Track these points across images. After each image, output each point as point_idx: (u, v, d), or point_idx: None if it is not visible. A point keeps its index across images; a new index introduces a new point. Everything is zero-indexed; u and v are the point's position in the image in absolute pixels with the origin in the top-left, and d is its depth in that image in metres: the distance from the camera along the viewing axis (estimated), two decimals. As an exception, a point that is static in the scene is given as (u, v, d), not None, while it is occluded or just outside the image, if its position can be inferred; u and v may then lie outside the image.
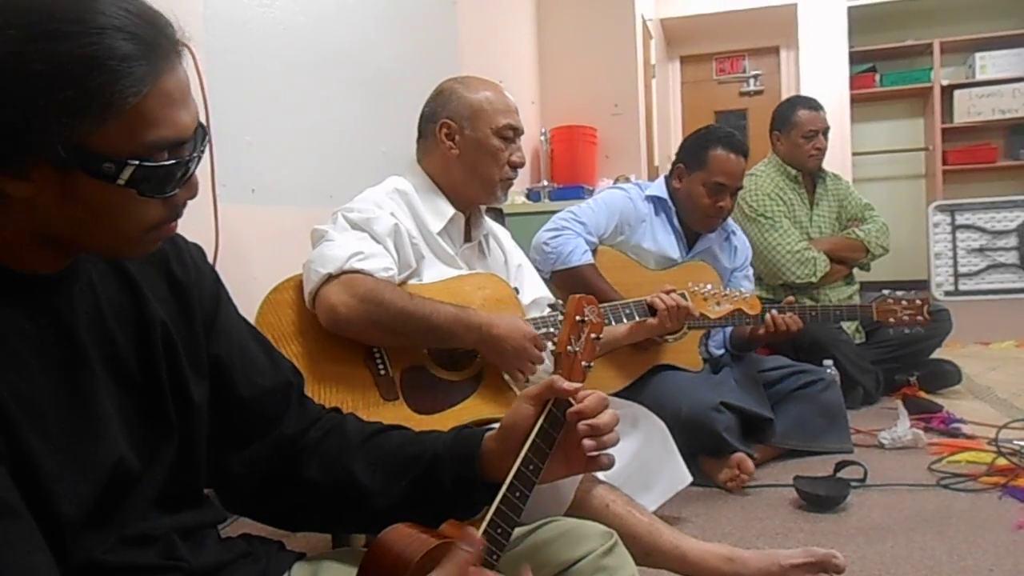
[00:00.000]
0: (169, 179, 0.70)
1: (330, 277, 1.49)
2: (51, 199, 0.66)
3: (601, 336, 1.00)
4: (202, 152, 0.73)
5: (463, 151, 1.73)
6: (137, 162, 0.66)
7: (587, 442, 0.88)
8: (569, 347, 0.96)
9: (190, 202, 0.76)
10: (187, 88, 0.71)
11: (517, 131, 1.75)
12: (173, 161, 0.69)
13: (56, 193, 0.66)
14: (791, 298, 2.39)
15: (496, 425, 0.94)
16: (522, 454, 0.86)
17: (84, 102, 0.63)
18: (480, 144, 1.72)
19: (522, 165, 1.76)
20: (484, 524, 0.82)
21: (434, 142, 1.76)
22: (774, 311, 2.28)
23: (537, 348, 1.59)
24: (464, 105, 1.74)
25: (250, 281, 1.78)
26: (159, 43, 0.67)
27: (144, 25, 0.66)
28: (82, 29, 0.63)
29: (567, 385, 0.89)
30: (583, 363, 0.97)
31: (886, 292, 2.38)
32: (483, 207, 1.85)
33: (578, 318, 0.98)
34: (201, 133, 0.73)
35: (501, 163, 1.72)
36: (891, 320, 2.36)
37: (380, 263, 1.53)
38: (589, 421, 0.88)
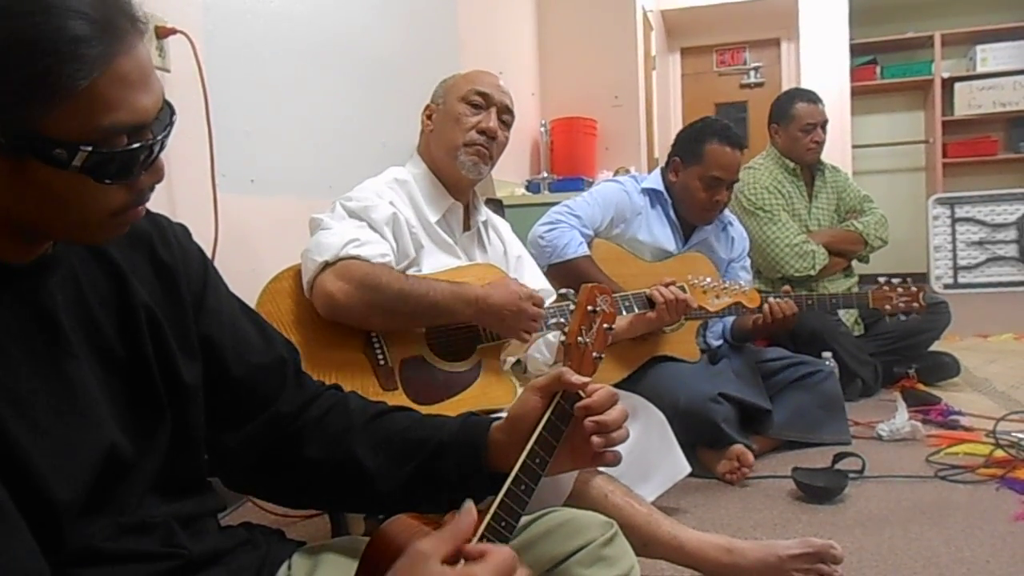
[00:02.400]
0: (129, 165, 0.67)
1: (326, 265, 1.49)
2: (5, 185, 0.64)
3: (613, 327, 0.98)
4: (168, 134, 0.70)
5: (436, 125, 1.76)
6: (91, 148, 0.63)
7: (595, 439, 0.87)
8: (580, 338, 0.94)
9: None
10: (148, 69, 0.67)
11: (488, 98, 1.73)
12: (134, 146, 0.66)
13: (9, 179, 0.64)
14: (787, 287, 2.38)
15: (502, 414, 0.93)
16: (528, 447, 0.85)
17: (28, 86, 0.60)
18: (447, 113, 1.74)
19: (493, 133, 1.72)
20: (488, 517, 0.81)
21: (422, 129, 1.80)
22: (770, 299, 2.28)
23: (535, 304, 1.59)
24: (443, 87, 1.79)
25: (249, 271, 1.77)
26: (115, 23, 0.64)
27: (99, 4, 0.63)
28: (28, 8, 0.59)
29: (576, 379, 0.87)
30: (594, 354, 0.94)
31: (882, 279, 2.38)
32: (479, 194, 1.84)
33: (590, 308, 0.95)
34: (167, 114, 0.70)
35: (465, 127, 1.70)
36: (887, 307, 2.36)
37: (376, 249, 1.53)
38: (597, 417, 0.87)
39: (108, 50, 0.63)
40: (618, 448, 0.90)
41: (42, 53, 0.60)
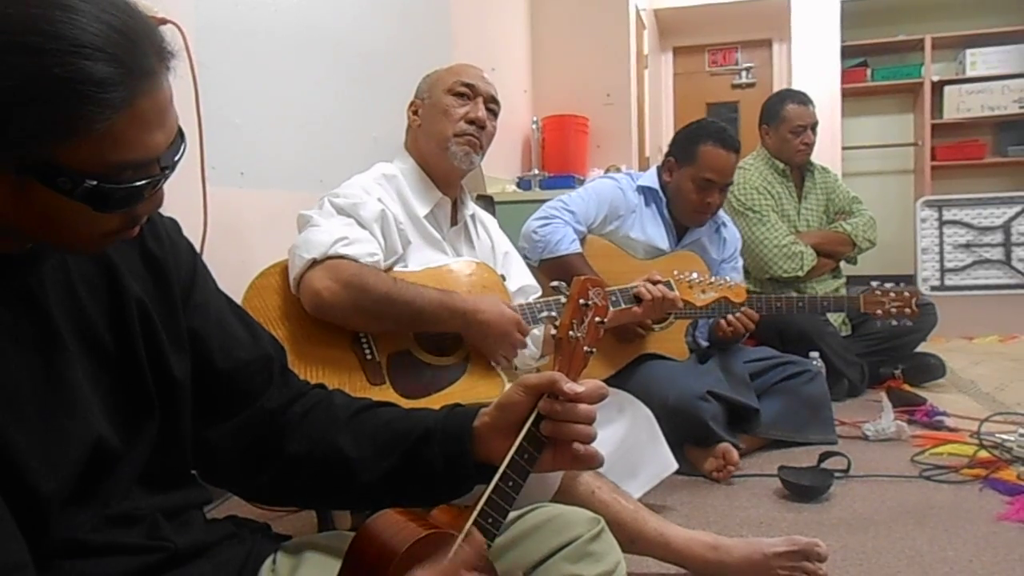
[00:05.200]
0: (131, 198, 0.67)
1: (314, 262, 1.49)
2: (4, 199, 0.64)
3: (606, 320, 0.94)
4: (175, 165, 0.70)
5: (423, 120, 1.76)
6: (96, 182, 0.63)
7: (576, 445, 0.86)
8: (571, 332, 0.91)
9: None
10: (166, 105, 0.67)
11: (474, 88, 1.73)
12: (139, 183, 0.66)
13: (9, 194, 0.63)
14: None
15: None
16: (516, 443, 0.84)
17: (46, 122, 0.60)
18: (434, 106, 1.74)
19: (482, 123, 1.72)
20: (475, 513, 0.80)
21: (408, 124, 1.80)
22: (731, 316, 2.29)
23: (520, 332, 1.59)
24: (427, 81, 1.80)
25: (239, 264, 1.77)
26: (140, 64, 0.63)
27: (126, 43, 0.62)
28: (57, 47, 0.58)
29: (569, 387, 0.84)
30: (585, 348, 0.92)
31: (874, 284, 2.39)
32: (469, 190, 1.85)
33: (582, 301, 0.93)
34: (178, 144, 0.70)
35: (453, 119, 1.71)
36: (878, 312, 2.37)
37: (365, 248, 1.53)
38: (569, 406, 0.85)
39: (130, 93, 0.62)
40: (604, 442, 0.90)
41: (66, 94, 0.59)
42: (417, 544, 0.76)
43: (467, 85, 1.73)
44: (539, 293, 1.87)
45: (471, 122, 1.71)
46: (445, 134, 1.71)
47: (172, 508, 0.83)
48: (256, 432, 0.92)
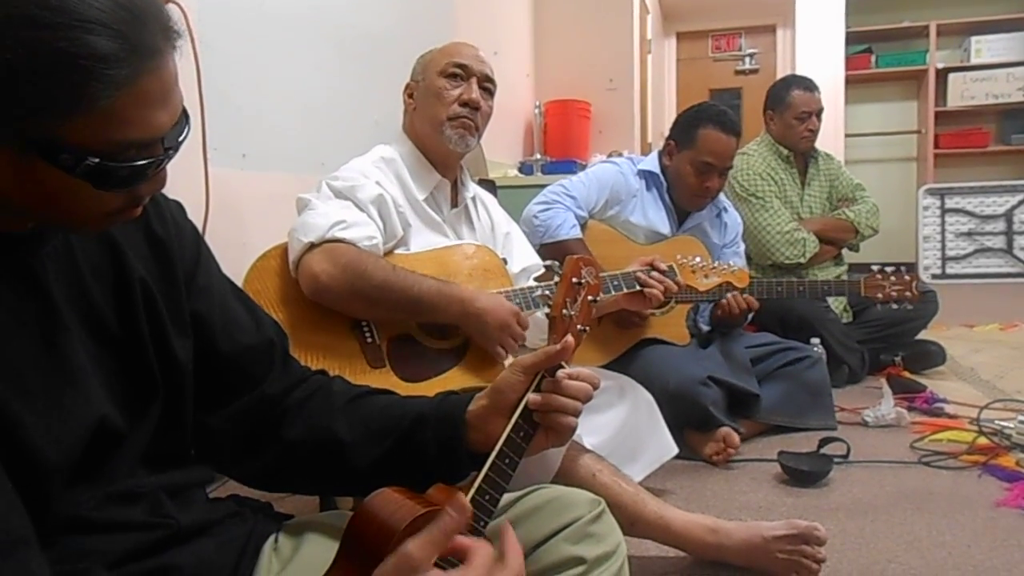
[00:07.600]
0: (133, 178, 0.67)
1: (312, 246, 1.48)
2: (6, 175, 0.64)
3: (598, 299, 0.97)
4: (179, 146, 0.70)
5: (418, 103, 1.75)
6: (98, 160, 0.63)
7: (559, 416, 0.88)
8: (564, 311, 0.93)
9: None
10: (171, 85, 0.66)
11: (467, 68, 1.71)
12: (141, 162, 0.66)
13: (11, 171, 0.63)
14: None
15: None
16: (513, 420, 0.85)
17: (49, 97, 0.59)
18: (428, 89, 1.73)
19: (476, 104, 1.70)
20: (472, 491, 0.81)
21: (405, 107, 1.79)
22: (730, 295, 2.29)
23: (520, 324, 1.58)
24: (421, 63, 1.78)
25: (240, 246, 1.77)
26: (145, 41, 0.62)
27: (132, 20, 0.61)
28: (62, 20, 0.58)
29: (560, 345, 0.88)
30: (578, 327, 0.94)
31: (875, 267, 2.39)
32: (472, 174, 1.84)
33: (574, 280, 0.94)
34: (182, 124, 0.70)
35: (447, 101, 1.69)
36: (879, 296, 2.37)
37: (363, 232, 1.52)
38: (565, 380, 0.88)
39: (134, 70, 0.62)
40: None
41: (69, 69, 0.59)
42: (415, 522, 0.76)
43: (459, 66, 1.71)
44: (543, 270, 1.86)
45: (464, 104, 1.69)
46: (439, 118, 1.69)
47: (175, 486, 0.83)
48: (256, 417, 0.92)
